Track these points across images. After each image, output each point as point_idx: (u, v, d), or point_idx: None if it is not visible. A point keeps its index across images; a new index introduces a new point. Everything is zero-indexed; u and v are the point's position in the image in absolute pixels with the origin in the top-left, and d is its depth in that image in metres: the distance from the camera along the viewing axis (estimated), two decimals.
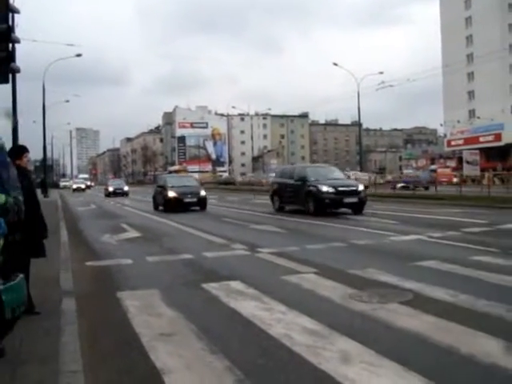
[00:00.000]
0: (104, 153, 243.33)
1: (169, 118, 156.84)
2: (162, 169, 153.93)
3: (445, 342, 5.10)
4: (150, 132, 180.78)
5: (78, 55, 46.06)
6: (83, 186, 78.50)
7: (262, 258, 10.86)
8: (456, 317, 5.88)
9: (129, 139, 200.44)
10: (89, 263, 10.70)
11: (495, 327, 5.52)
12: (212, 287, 7.89)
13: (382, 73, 61.23)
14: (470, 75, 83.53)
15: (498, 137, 75.85)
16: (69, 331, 5.54)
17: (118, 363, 4.91)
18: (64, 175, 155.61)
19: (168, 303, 6.97)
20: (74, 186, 76.76)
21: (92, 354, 5.10)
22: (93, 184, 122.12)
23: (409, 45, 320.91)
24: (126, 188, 55.98)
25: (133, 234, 16.28)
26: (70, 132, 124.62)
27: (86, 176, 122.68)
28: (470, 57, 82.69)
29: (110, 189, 54.88)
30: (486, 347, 4.93)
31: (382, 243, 12.59)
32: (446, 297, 6.88)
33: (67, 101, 65.27)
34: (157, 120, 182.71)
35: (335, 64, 57.47)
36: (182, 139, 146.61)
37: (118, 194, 53.11)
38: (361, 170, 67.34)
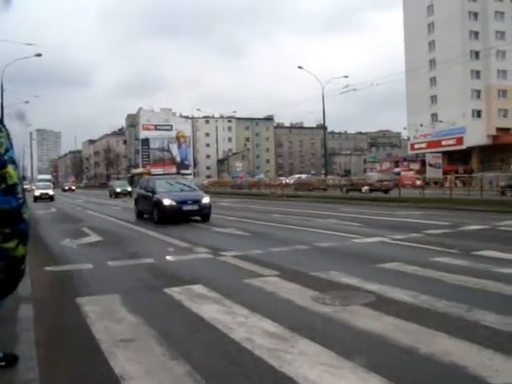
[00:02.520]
0: (66, 155, 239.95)
1: (132, 120, 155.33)
2: (125, 171, 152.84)
3: (405, 342, 5.14)
4: (113, 134, 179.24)
5: (38, 55, 45.31)
6: (50, 193, 51.49)
7: (225, 261, 10.83)
8: (416, 317, 5.94)
9: (91, 141, 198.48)
10: (48, 268, 10.54)
11: (455, 327, 5.59)
12: (174, 291, 7.82)
13: (346, 76, 61.49)
14: (433, 80, 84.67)
15: (459, 140, 77.21)
16: (25, 338, 5.39)
17: (76, 371, 4.83)
18: (24, 178, 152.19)
19: (129, 308, 6.89)
20: (37, 193, 51.21)
21: (49, 362, 4.98)
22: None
23: (373, 51, 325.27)
24: (51, 192, 51.54)
25: (94, 238, 16.10)
26: (30, 133, 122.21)
27: (49, 177, 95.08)
28: (432, 62, 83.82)
29: (37, 193, 50.72)
30: (445, 346, 4.99)
31: (344, 245, 12.66)
32: (407, 298, 6.94)
33: (27, 102, 63.89)
34: (120, 122, 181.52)
35: (300, 67, 57.67)
36: (145, 141, 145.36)
37: (44, 198, 49.10)
38: (326, 173, 67.73)
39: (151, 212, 21.38)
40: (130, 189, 57.45)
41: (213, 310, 6.70)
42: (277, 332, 5.62)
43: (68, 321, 6.58)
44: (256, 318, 6.19)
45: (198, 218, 20.94)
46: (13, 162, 1.90)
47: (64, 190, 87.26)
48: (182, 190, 22.00)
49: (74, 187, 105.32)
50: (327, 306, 6.72)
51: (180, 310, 6.82)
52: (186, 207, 20.34)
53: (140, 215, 23.71)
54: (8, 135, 1.98)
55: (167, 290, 7.93)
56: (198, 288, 8.02)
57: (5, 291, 1.89)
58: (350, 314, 6.23)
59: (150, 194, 21.90)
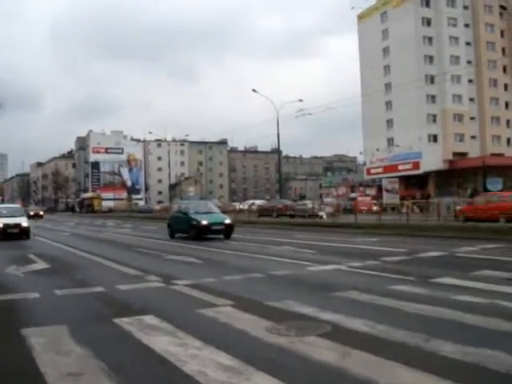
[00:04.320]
0: (12, 178, 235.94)
1: (82, 143, 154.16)
2: (74, 195, 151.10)
3: (363, 374, 5.14)
4: (62, 157, 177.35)
5: None
6: (24, 224, 29.10)
7: (178, 290, 10.73)
8: (374, 348, 5.96)
9: (39, 164, 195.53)
10: None
11: (413, 357, 5.63)
12: (124, 322, 7.70)
13: (301, 100, 62.72)
14: (389, 104, 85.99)
15: (416, 165, 78.38)
16: None
17: None
18: None
19: (77, 340, 6.74)
20: None
21: None
22: None
23: (327, 75, 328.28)
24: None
25: (41, 265, 15.80)
26: None
27: (19, 207, 40.98)
28: (388, 86, 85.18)
29: None
30: (403, 378, 5.03)
31: (300, 274, 12.70)
32: (364, 328, 6.97)
33: None
34: (70, 145, 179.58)
35: (254, 90, 58.31)
36: (95, 165, 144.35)
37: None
38: (280, 198, 67.98)
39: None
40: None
41: (164, 341, 6.61)
42: (231, 365, 5.57)
43: (12, 354, 6.41)
44: (209, 351, 6.13)
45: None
46: None
47: (29, 217, 66.31)
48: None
49: (41, 212, 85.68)
50: (283, 336, 6.70)
51: (130, 342, 6.72)
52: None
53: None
54: None
55: (117, 321, 7.80)
56: (149, 319, 7.91)
57: None
58: (306, 345, 6.23)
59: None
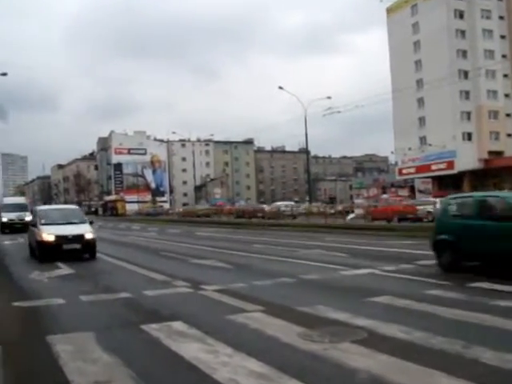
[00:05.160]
0: (33, 180, 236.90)
1: (104, 144, 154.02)
2: (97, 198, 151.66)
3: (401, 382, 5.13)
4: (84, 158, 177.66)
5: (3, 74, 45.01)
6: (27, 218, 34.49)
7: (206, 295, 10.78)
8: (411, 355, 5.93)
9: (60, 166, 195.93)
10: (16, 304, 10.42)
11: (452, 365, 5.59)
12: (152, 328, 7.75)
13: (329, 97, 61.65)
14: (420, 101, 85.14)
15: (450, 164, 77.51)
16: None
17: None
18: None
19: (104, 347, 6.80)
20: (4, 219, 40.31)
21: None
22: None
23: (354, 72, 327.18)
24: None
25: (65, 270, 15.95)
26: None
27: (22, 200, 53.82)
28: (419, 82, 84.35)
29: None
30: None
31: (332, 278, 12.66)
32: (400, 334, 6.94)
33: None
34: (91, 146, 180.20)
35: (281, 87, 58.03)
36: (118, 166, 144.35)
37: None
38: (310, 200, 67.80)
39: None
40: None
41: (194, 348, 6.64)
42: (263, 372, 5.58)
43: (39, 362, 6.49)
44: (240, 357, 6.15)
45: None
46: None
47: None
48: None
49: None
50: (316, 343, 6.69)
51: (159, 349, 6.76)
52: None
53: None
54: None
55: (145, 327, 7.86)
56: (178, 325, 7.95)
57: None
58: (340, 352, 6.21)
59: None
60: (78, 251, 18.75)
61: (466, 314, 8.00)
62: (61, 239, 18.25)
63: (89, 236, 18.97)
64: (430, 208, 37.24)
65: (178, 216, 75.62)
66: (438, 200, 37.57)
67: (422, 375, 5.34)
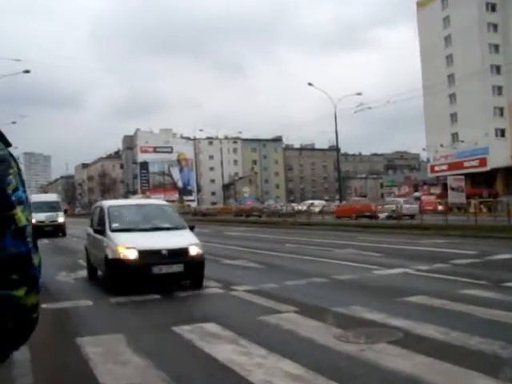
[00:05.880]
0: (57, 180, 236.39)
1: (129, 142, 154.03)
2: (122, 198, 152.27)
3: (438, 383, 5.12)
4: (109, 157, 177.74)
5: (27, 71, 45.27)
6: (60, 220, 37.71)
7: (238, 296, 10.83)
8: (449, 356, 5.92)
9: (85, 165, 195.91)
10: (43, 306, 10.51)
11: (491, 365, 5.57)
12: (184, 330, 7.80)
13: (360, 94, 61.58)
14: (452, 97, 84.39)
15: (483, 162, 76.80)
16: None
17: None
18: None
19: (135, 349, 6.86)
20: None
21: None
22: None
23: (383, 68, 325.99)
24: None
25: None
26: (18, 157, 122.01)
27: (54, 198, 44.28)
28: (451, 77, 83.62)
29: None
30: None
31: (365, 277, 12.64)
32: (437, 334, 6.92)
33: (14, 122, 63.31)
34: (116, 145, 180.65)
35: (310, 84, 57.88)
36: (144, 165, 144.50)
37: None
38: (340, 198, 67.60)
39: None
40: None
41: (227, 350, 6.68)
42: (299, 373, 5.61)
43: (68, 364, 6.56)
44: (275, 359, 6.18)
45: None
46: (21, 202, 1.91)
47: None
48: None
49: None
50: (351, 344, 6.70)
51: (192, 351, 6.81)
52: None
53: None
54: (19, 171, 1.99)
55: (176, 329, 7.91)
56: (211, 326, 8.00)
57: (15, 342, 1.90)
58: (376, 353, 6.22)
59: None
60: (179, 276, 12.00)
61: (503, 314, 7.97)
62: (149, 257, 11.43)
63: (194, 251, 11.95)
64: (393, 207, 43.33)
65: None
66: (401, 200, 49.89)
67: (460, 376, 5.35)
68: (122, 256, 11.33)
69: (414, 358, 5.95)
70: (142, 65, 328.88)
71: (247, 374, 5.71)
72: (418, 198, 58.09)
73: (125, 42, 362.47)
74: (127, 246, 11.46)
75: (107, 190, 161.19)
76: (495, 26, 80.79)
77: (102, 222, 13.09)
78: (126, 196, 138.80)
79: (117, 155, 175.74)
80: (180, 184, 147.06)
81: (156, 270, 11.27)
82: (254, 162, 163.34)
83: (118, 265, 11.34)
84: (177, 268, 11.49)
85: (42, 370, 6.17)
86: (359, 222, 41.08)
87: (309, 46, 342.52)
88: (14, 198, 1.85)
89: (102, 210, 13.81)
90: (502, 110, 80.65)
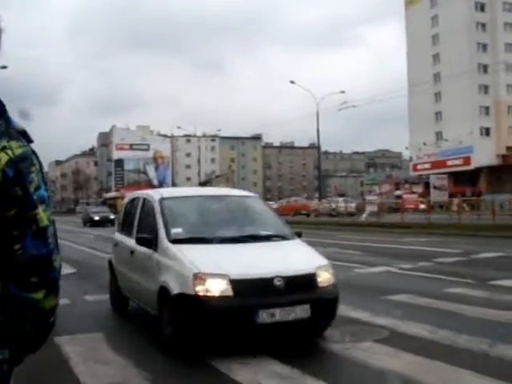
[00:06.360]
0: None
1: (105, 139, 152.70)
2: (96, 196, 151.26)
3: (429, 381, 5.15)
4: (84, 154, 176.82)
5: (3, 67, 44.86)
6: None
7: None
8: (438, 354, 5.95)
9: (58, 162, 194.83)
10: None
11: (479, 363, 5.62)
12: None
13: (343, 92, 61.44)
14: (438, 95, 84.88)
15: (466, 160, 77.40)
16: None
17: None
18: None
19: (115, 348, 6.80)
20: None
21: None
22: None
23: (369, 67, 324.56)
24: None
25: (66, 269, 15.86)
26: None
27: None
28: (437, 76, 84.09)
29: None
30: None
31: (348, 276, 12.58)
32: (424, 333, 6.94)
33: None
34: (91, 142, 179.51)
35: (292, 82, 57.85)
36: (119, 162, 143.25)
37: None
38: (320, 197, 67.67)
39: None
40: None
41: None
42: (285, 373, 5.60)
43: (49, 364, 6.44)
44: (261, 359, 6.14)
45: None
46: (43, 201, 1.84)
47: None
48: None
49: None
50: (337, 343, 6.68)
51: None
52: None
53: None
54: (41, 169, 1.92)
55: None
56: None
57: (33, 345, 1.86)
58: (362, 352, 6.22)
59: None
60: (302, 325, 6.65)
61: (490, 312, 8.03)
62: (251, 291, 6.52)
63: (325, 279, 7.32)
64: (334, 205, 48.47)
65: None
66: (341, 199, 55.46)
67: (450, 374, 5.36)
68: (202, 291, 6.33)
69: (403, 357, 5.95)
70: (119, 61, 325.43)
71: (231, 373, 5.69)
72: (399, 197, 58.42)
73: (102, 38, 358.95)
74: (211, 273, 6.48)
75: (80, 188, 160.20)
76: (483, 26, 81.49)
77: (148, 226, 8.03)
78: (99, 194, 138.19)
79: (91, 152, 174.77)
80: (155, 182, 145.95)
81: (265, 316, 6.27)
82: (232, 160, 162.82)
83: (192, 307, 6.34)
84: (301, 312, 6.44)
85: (21, 370, 6.05)
86: (339, 220, 41.15)
87: (293, 43, 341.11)
88: (35, 197, 1.80)
89: (146, 204, 8.64)
90: (487, 108, 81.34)
